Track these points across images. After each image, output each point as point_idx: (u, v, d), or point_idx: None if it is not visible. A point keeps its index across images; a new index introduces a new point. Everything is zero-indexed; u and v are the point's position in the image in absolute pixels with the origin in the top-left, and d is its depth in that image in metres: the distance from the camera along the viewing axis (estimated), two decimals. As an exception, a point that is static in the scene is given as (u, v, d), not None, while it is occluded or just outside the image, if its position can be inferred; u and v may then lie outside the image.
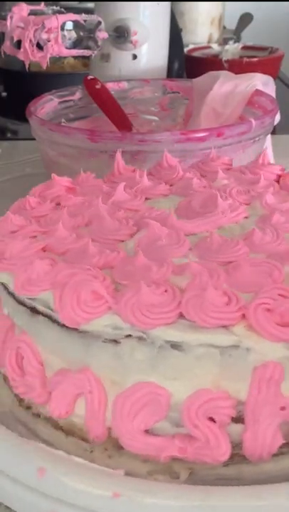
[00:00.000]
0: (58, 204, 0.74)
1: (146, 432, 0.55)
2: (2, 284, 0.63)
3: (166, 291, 0.53)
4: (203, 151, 0.92)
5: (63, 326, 0.56)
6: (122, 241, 0.64)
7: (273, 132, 1.04)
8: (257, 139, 0.99)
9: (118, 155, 0.83)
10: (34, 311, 0.58)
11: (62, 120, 1.13)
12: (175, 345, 0.52)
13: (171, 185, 0.79)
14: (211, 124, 1.06)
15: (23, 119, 1.06)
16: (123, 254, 0.60)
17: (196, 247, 0.62)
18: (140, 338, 0.52)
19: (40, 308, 0.57)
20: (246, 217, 0.69)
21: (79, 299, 0.54)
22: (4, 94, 1.71)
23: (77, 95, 1.17)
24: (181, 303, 0.52)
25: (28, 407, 0.64)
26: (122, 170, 0.84)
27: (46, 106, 1.11)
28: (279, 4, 1.91)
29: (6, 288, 0.63)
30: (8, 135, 1.62)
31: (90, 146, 0.93)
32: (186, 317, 0.52)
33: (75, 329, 0.55)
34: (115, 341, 0.54)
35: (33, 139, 1.05)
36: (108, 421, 0.56)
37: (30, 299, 0.58)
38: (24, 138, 1.42)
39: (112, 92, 1.16)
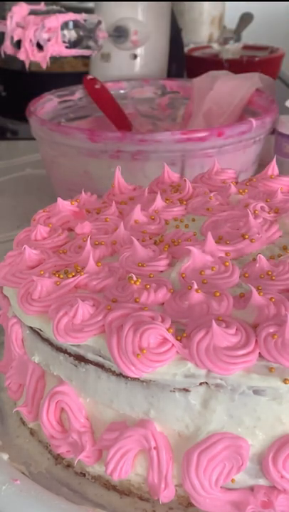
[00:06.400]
0: (70, 230, 0.67)
1: (222, 486, 0.49)
2: (31, 328, 0.56)
3: (237, 329, 0.48)
4: (203, 150, 0.92)
5: (120, 375, 0.49)
6: (161, 271, 0.58)
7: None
8: (257, 138, 0.98)
9: (117, 172, 0.76)
10: (80, 359, 0.52)
11: (62, 120, 1.13)
12: (258, 391, 0.46)
13: (181, 202, 0.73)
14: (212, 123, 1.06)
15: (23, 119, 1.06)
16: (170, 288, 0.54)
17: (244, 274, 0.57)
18: (217, 386, 0.46)
19: (89, 355, 0.50)
20: (280, 236, 0.64)
21: (141, 344, 0.47)
22: (4, 94, 1.71)
23: (77, 95, 1.16)
24: (258, 342, 0.47)
25: (68, 465, 0.57)
26: (122, 189, 0.77)
27: (46, 106, 1.11)
28: (279, 4, 1.90)
29: (37, 333, 0.55)
30: (8, 135, 1.62)
31: (90, 146, 0.93)
32: (265, 358, 0.46)
33: (136, 379, 0.48)
34: (185, 390, 0.48)
35: (33, 139, 1.06)
36: (176, 478, 0.50)
37: (74, 345, 0.51)
38: (24, 138, 1.44)
39: (112, 92, 1.16)
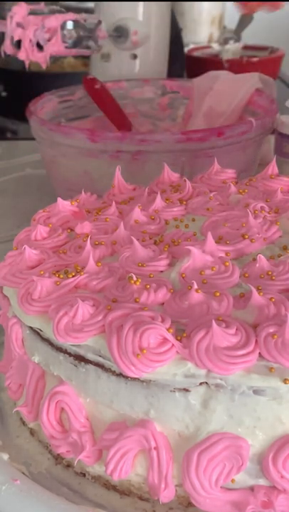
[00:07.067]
0: (70, 230, 0.67)
1: (222, 486, 0.49)
2: (31, 328, 0.56)
3: (237, 329, 0.48)
4: (203, 150, 0.92)
5: (120, 375, 0.49)
6: (161, 271, 0.58)
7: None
8: (257, 138, 0.98)
9: (117, 172, 0.76)
10: (80, 359, 0.52)
11: (63, 120, 1.13)
12: (258, 391, 0.46)
13: (181, 202, 0.73)
14: (212, 123, 1.06)
15: (23, 119, 1.05)
16: (170, 288, 0.54)
17: (244, 274, 0.57)
18: (217, 386, 0.46)
19: (90, 355, 0.50)
20: (280, 236, 0.64)
21: (141, 344, 0.47)
22: (4, 94, 1.70)
23: (77, 95, 1.16)
24: (258, 342, 0.47)
25: (68, 465, 0.57)
26: (122, 189, 0.77)
27: (46, 106, 1.10)
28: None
29: (37, 333, 0.55)
30: (8, 135, 1.63)
31: (90, 146, 0.92)
32: (265, 358, 0.46)
33: (136, 379, 0.48)
34: (185, 390, 0.48)
35: (33, 139, 1.05)
36: (176, 478, 0.50)
37: (74, 345, 0.51)
38: (24, 138, 1.44)
39: (112, 92, 1.15)
